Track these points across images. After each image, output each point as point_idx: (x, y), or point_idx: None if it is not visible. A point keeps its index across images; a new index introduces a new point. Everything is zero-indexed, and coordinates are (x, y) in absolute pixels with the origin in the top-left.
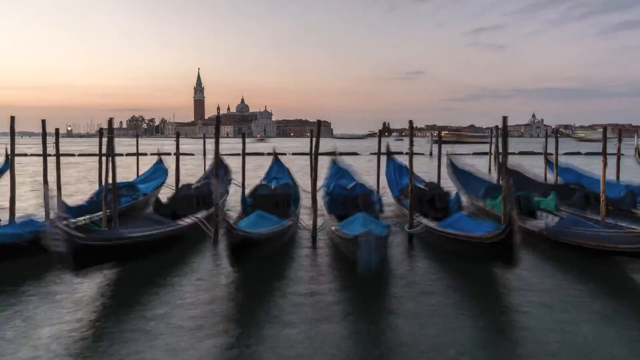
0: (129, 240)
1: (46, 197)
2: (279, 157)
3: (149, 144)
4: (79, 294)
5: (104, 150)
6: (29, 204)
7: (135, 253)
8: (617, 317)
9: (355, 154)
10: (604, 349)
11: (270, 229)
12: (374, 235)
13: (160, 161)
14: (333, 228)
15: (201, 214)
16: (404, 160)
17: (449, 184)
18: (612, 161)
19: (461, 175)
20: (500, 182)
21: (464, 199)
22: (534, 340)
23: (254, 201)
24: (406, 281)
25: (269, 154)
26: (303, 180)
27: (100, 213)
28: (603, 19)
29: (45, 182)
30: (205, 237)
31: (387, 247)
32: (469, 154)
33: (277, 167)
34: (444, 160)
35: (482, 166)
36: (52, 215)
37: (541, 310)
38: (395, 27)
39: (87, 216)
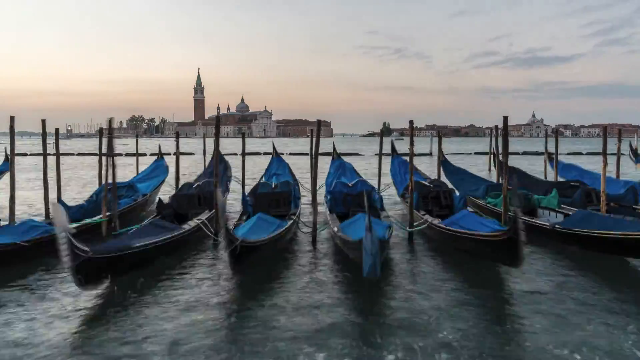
0: (135, 250)
1: (54, 210)
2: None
3: (147, 144)
4: (78, 298)
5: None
6: (32, 199)
7: (142, 263)
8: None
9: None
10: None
11: (271, 234)
12: (378, 239)
13: (160, 158)
14: (335, 229)
15: (203, 216)
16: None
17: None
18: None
19: (456, 174)
20: (501, 181)
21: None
22: (540, 340)
23: (255, 200)
24: (406, 278)
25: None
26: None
27: (100, 216)
28: None
29: (45, 180)
30: (207, 239)
31: (389, 248)
32: (471, 153)
33: (277, 163)
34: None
35: (482, 165)
36: (57, 225)
37: (548, 307)
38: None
39: (88, 220)
